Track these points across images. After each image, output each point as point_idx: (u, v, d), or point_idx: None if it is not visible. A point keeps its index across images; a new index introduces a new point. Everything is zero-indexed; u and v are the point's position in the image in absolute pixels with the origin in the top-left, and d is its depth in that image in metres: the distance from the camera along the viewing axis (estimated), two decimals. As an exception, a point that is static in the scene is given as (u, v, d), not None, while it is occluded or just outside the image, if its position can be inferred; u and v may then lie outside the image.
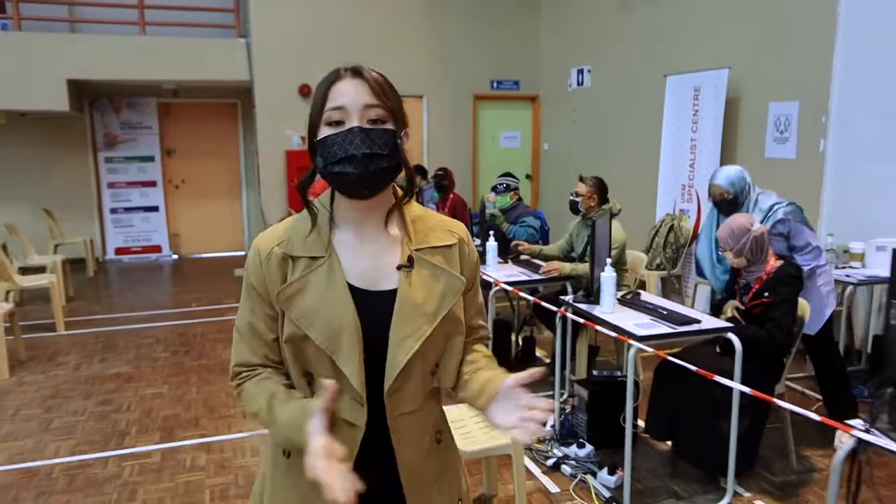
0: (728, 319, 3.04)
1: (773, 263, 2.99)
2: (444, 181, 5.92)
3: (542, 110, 9.04)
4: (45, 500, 3.02)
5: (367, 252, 1.23)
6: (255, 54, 7.93)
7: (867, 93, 4.61)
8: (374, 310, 1.20)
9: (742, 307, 3.00)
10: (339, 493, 1.02)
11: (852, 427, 1.92)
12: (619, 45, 7.25)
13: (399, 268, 1.22)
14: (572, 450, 3.35)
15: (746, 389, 2.52)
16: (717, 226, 3.53)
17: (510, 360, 4.64)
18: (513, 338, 4.85)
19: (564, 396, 3.85)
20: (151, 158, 9.11)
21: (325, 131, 1.18)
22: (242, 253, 9.42)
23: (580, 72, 8.04)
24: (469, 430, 2.65)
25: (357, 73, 1.20)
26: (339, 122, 1.18)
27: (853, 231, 4.62)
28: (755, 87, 5.55)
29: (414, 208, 1.30)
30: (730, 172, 3.67)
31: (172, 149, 9.28)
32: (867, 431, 1.87)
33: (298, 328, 1.17)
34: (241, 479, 3.20)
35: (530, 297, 3.96)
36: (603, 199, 4.12)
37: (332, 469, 1.05)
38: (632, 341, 2.84)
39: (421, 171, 6.67)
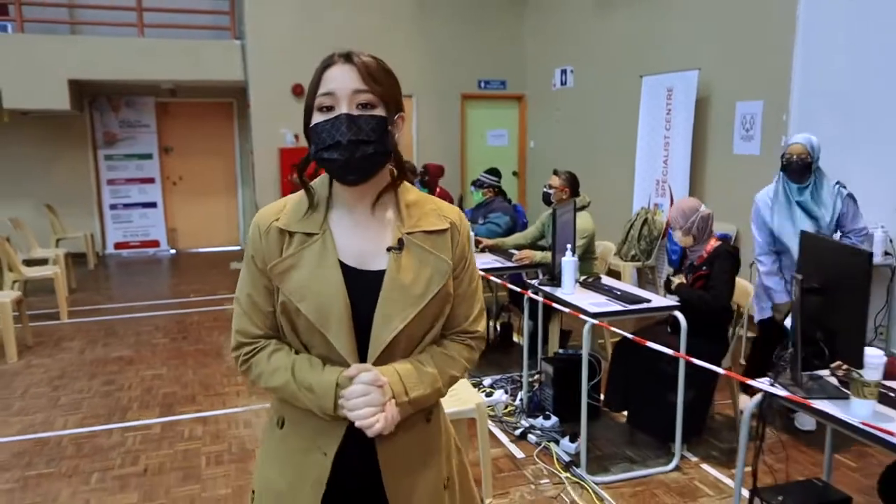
0: (675, 287, 3.34)
1: (713, 244, 3.30)
2: (425, 177, 6.22)
3: (528, 109, 9.35)
4: (56, 464, 3.32)
5: (360, 233, 1.27)
6: (250, 55, 8.22)
7: (825, 91, 4.91)
8: (364, 288, 1.23)
9: (686, 283, 3.32)
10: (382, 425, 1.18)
11: (759, 383, 2.23)
12: (598, 46, 7.55)
13: (389, 249, 1.25)
14: (539, 421, 3.66)
15: (698, 362, 2.82)
16: (786, 197, 3.44)
17: (489, 344, 4.95)
18: (491, 324, 5.16)
19: (535, 376, 4.16)
20: (149, 156, 9.40)
21: (316, 118, 1.22)
22: (238, 248, 9.71)
23: (563, 72, 8.35)
24: None
25: (348, 58, 1.22)
26: (329, 108, 1.21)
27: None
28: (723, 88, 5.86)
29: (411, 193, 1.32)
30: (812, 137, 3.43)
31: (170, 147, 9.57)
32: (772, 385, 2.18)
33: (291, 301, 1.22)
34: (234, 447, 3.50)
35: (497, 280, 4.26)
36: (574, 192, 4.42)
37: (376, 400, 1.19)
38: (586, 317, 3.14)
39: (411, 169, 6.98)
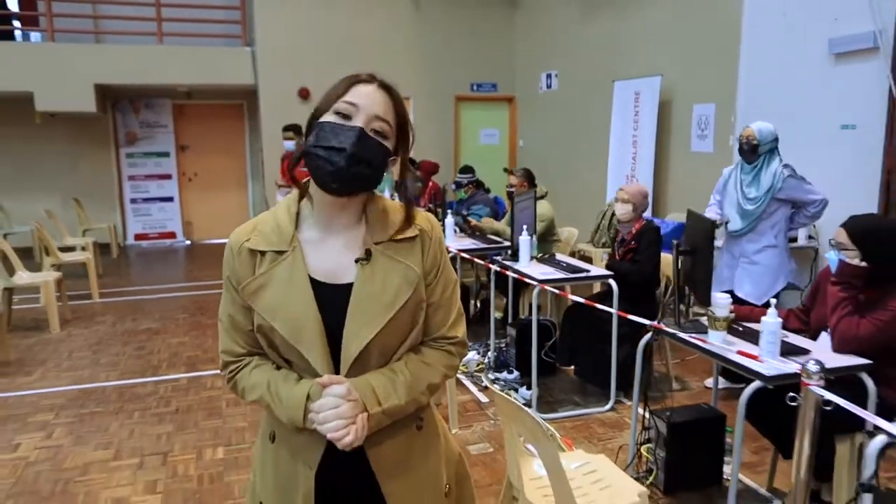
0: (609, 263, 4.05)
1: (640, 223, 4.00)
2: (418, 172, 6.93)
3: (518, 110, 10.04)
4: (104, 406, 4.05)
5: (330, 247, 1.27)
6: (260, 61, 8.96)
7: (765, 95, 5.58)
8: (335, 303, 1.23)
9: (618, 257, 4.02)
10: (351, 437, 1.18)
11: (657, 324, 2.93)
12: (579, 52, 8.25)
13: (357, 261, 1.25)
14: (503, 375, 4.37)
15: (631, 316, 3.50)
16: (739, 183, 3.89)
17: (469, 319, 5.67)
18: (471, 301, 5.87)
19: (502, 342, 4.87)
20: (167, 154, 10.16)
21: (329, 117, 1.22)
22: (248, 239, 10.44)
23: (548, 76, 9.04)
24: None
25: (384, 85, 1.25)
26: (346, 116, 1.21)
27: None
28: (682, 92, 6.54)
29: (382, 203, 1.32)
30: (763, 125, 3.83)
31: (186, 145, 10.32)
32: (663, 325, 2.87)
33: (264, 320, 1.23)
34: (249, 395, 4.22)
35: (466, 255, 4.97)
36: (531, 184, 5.14)
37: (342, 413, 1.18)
38: (532, 282, 3.85)
39: (412, 162, 7.71)
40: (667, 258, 4.18)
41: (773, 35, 5.43)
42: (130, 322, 5.93)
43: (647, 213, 6.60)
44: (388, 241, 1.27)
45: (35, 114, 8.68)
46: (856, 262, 2.55)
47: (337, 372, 1.23)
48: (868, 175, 4.69)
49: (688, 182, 6.43)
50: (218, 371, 4.62)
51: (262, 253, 1.25)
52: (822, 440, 2.18)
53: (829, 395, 1.91)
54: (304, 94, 8.97)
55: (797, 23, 5.19)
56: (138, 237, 10.19)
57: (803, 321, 2.91)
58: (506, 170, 10.55)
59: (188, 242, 10.42)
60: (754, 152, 3.84)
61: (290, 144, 6.91)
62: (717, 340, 2.64)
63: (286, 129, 7.05)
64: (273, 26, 8.90)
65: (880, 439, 1.88)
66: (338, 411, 1.18)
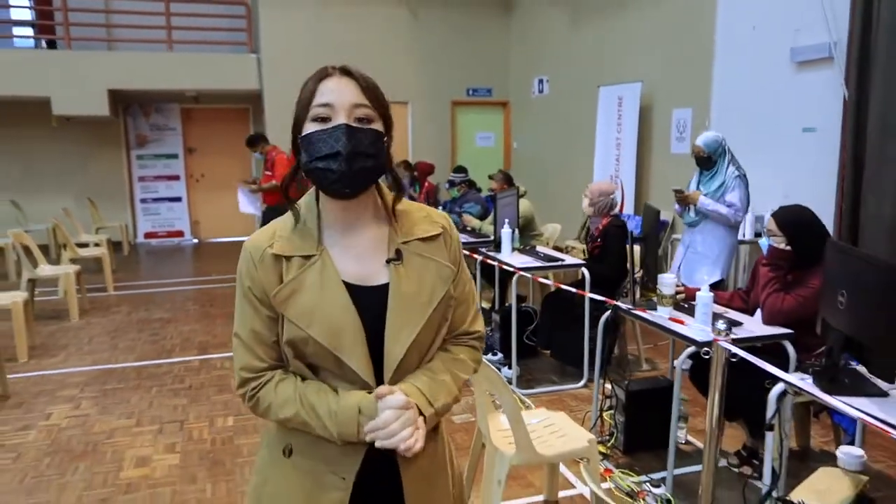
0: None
1: (606, 220, 4.40)
2: (414, 173, 7.36)
3: (512, 114, 10.46)
4: (124, 383, 4.47)
5: (356, 248, 1.24)
6: (264, 67, 9.40)
7: (735, 101, 5.98)
8: (370, 305, 1.20)
9: (588, 250, 4.43)
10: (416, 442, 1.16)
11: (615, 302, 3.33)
12: (568, 59, 8.66)
13: (388, 262, 1.23)
14: (488, 357, 4.77)
15: (595, 296, 3.89)
16: (698, 184, 4.31)
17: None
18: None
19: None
20: (175, 156, 10.60)
21: (310, 127, 1.18)
22: (253, 238, 10.87)
23: (540, 81, 9.46)
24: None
25: (346, 71, 1.20)
26: (325, 119, 1.17)
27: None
28: (662, 97, 6.95)
29: (399, 203, 1.29)
30: (708, 136, 4.29)
31: (193, 148, 10.75)
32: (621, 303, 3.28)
33: (299, 328, 1.17)
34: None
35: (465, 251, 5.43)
36: (510, 185, 5.59)
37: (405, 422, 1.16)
38: (511, 269, 4.25)
39: (408, 165, 8.11)
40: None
41: (743, 45, 5.84)
42: (144, 312, 6.35)
43: (629, 211, 7.03)
44: (415, 240, 1.26)
45: (51, 117, 9.13)
46: (782, 246, 2.95)
47: (378, 375, 1.21)
48: (827, 174, 5.08)
49: (667, 182, 6.81)
50: (227, 354, 5.05)
51: (288, 258, 1.20)
52: (757, 404, 2.58)
53: (735, 349, 2.31)
54: (306, 99, 9.38)
55: (764, 34, 5.60)
56: (148, 235, 10.63)
57: (745, 300, 3.31)
58: (490, 176, 11.09)
59: (196, 241, 10.85)
60: (709, 161, 4.31)
61: (259, 155, 7.22)
62: (664, 314, 3.04)
63: (250, 143, 7.19)
64: (277, 34, 9.35)
65: (779, 386, 2.28)
66: (403, 421, 1.16)
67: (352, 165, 1.15)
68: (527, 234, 5.29)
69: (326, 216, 1.25)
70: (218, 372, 4.67)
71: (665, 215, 6.72)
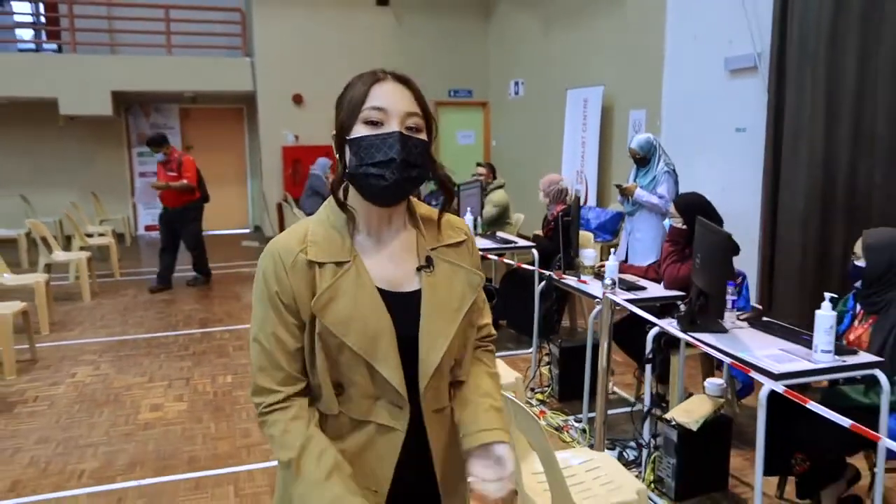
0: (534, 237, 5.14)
1: (560, 208, 5.08)
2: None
3: (491, 114, 11.14)
4: (136, 350, 5.13)
5: (386, 255, 1.22)
6: (258, 70, 10.05)
7: (682, 102, 6.66)
8: (402, 311, 1.19)
9: (543, 233, 5.13)
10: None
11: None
12: (541, 63, 9.34)
13: (419, 269, 1.22)
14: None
15: (528, 266, 4.57)
16: (635, 178, 4.97)
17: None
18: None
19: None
20: (174, 153, 11.21)
21: (360, 130, 1.16)
22: (247, 230, 11.53)
23: (516, 83, 10.13)
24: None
25: (400, 78, 1.19)
26: (376, 123, 1.15)
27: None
28: (620, 99, 7.63)
29: (420, 208, 1.29)
30: (640, 139, 4.92)
31: (191, 145, 11.36)
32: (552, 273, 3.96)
33: (335, 336, 1.15)
34: (250, 343, 5.31)
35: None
36: (494, 175, 6.27)
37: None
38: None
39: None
40: (584, 236, 5.28)
41: (687, 53, 6.53)
42: (148, 295, 7.00)
43: (592, 203, 7.70)
44: (443, 247, 1.26)
45: (59, 117, 9.75)
46: (679, 225, 3.63)
47: (410, 383, 1.19)
48: (755, 169, 5.76)
49: (626, 178, 7.50)
50: (226, 328, 5.71)
51: (321, 265, 1.17)
52: (665, 357, 3.27)
53: (619, 300, 2.99)
54: (297, 100, 10.06)
55: (703, 44, 6.29)
56: (148, 228, 11.26)
57: (657, 273, 4.00)
58: (478, 164, 11.77)
59: (193, 233, 11.46)
60: (644, 160, 5.01)
61: (161, 156, 6.99)
62: (576, 280, 3.73)
63: (152, 143, 6.96)
64: (270, 39, 9.99)
65: (654, 330, 2.97)
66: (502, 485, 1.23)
67: (402, 175, 1.15)
68: (502, 221, 5.99)
69: (358, 221, 1.23)
70: (218, 342, 5.34)
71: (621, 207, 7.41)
